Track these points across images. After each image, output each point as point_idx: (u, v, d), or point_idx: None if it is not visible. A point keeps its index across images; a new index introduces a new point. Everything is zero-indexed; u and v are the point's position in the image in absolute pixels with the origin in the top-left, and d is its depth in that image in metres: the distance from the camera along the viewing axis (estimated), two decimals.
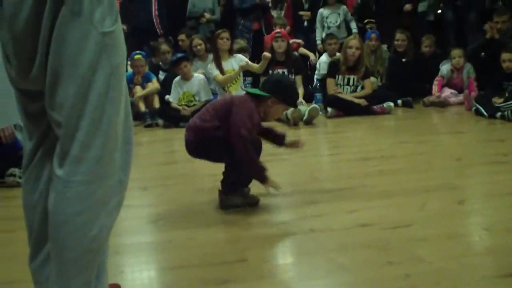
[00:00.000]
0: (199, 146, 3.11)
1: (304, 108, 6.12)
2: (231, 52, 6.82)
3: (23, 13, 1.46)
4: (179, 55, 6.70)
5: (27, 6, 1.45)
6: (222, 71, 6.66)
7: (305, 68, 7.82)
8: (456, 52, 6.99)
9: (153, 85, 7.00)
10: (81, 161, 1.52)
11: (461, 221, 2.82)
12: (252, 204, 3.11)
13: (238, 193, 3.14)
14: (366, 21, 8.41)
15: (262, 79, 6.59)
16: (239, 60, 6.77)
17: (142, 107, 6.73)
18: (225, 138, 2.97)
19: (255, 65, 6.56)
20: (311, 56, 8.22)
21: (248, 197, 3.17)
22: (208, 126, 3.04)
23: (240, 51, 7.19)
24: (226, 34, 6.72)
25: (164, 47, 7.58)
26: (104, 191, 1.57)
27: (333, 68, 6.79)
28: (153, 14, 8.47)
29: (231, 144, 2.92)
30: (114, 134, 1.58)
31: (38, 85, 1.54)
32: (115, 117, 1.56)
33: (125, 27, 8.33)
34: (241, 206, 3.09)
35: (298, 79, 6.82)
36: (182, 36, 7.97)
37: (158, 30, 8.46)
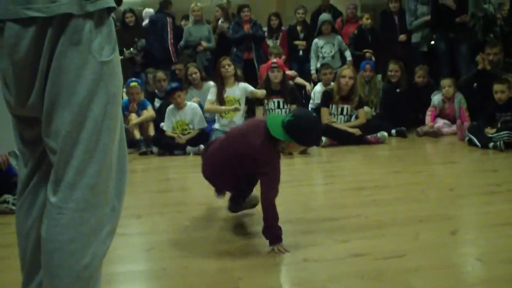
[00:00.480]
0: (214, 179, 3.37)
1: None
2: (236, 78, 6.86)
3: (24, 42, 1.48)
4: (174, 84, 6.72)
5: (28, 36, 1.47)
6: (221, 100, 6.69)
7: (301, 97, 7.86)
8: (446, 82, 7.06)
9: (148, 112, 7.02)
10: (75, 188, 1.53)
11: (454, 252, 2.82)
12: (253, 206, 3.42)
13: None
14: (365, 50, 8.50)
15: (258, 111, 6.71)
16: (243, 89, 6.81)
17: (137, 134, 6.73)
18: (240, 178, 3.18)
19: (259, 92, 6.65)
20: (307, 85, 8.28)
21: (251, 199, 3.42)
22: (221, 176, 3.26)
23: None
24: (227, 61, 6.76)
25: (160, 75, 7.60)
26: (97, 219, 1.58)
27: (327, 98, 6.83)
28: (169, 42, 8.58)
29: (261, 202, 3.01)
30: (109, 162, 1.59)
31: (36, 112, 1.55)
32: (110, 145, 1.58)
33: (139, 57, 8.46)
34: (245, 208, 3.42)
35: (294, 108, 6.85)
36: (179, 66, 8.02)
37: (173, 58, 8.58)
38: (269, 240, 2.93)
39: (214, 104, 6.67)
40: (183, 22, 9.80)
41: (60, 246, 1.54)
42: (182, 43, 8.73)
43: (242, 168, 3.06)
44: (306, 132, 3.01)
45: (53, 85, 1.49)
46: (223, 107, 6.63)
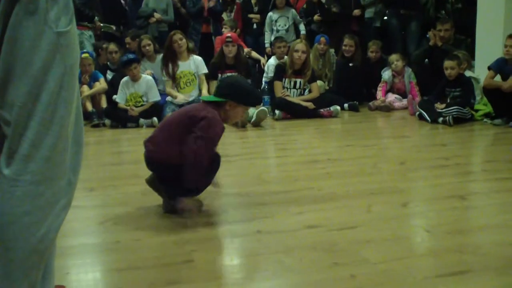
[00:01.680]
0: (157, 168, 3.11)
1: (252, 110, 6.15)
2: (189, 51, 6.80)
3: None
4: (131, 56, 6.63)
5: None
6: (171, 75, 6.64)
7: (255, 71, 7.85)
8: (394, 57, 7.17)
9: (101, 84, 6.91)
10: (30, 160, 1.50)
11: (405, 223, 2.89)
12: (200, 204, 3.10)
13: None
14: (315, 18, 8.51)
15: (212, 85, 6.65)
16: (199, 62, 6.78)
17: (89, 106, 6.63)
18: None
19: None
20: (262, 59, 8.27)
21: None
22: (165, 154, 3.00)
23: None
24: (178, 35, 6.69)
25: (112, 46, 7.48)
26: (53, 191, 1.55)
27: (280, 71, 6.84)
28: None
29: (184, 156, 2.86)
30: (65, 135, 1.56)
31: None
32: (66, 118, 1.55)
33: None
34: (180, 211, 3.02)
35: None
36: (127, 39, 7.87)
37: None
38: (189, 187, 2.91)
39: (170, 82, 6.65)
40: None
41: (14, 219, 1.50)
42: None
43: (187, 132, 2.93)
44: (237, 87, 3.09)
45: (7, 55, 1.45)
46: (181, 97, 6.59)
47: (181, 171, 2.85)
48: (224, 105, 3.03)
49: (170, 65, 6.71)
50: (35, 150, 1.50)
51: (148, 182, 3.16)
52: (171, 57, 6.70)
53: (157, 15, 8.44)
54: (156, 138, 3.08)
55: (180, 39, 6.66)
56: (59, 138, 1.54)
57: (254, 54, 8.32)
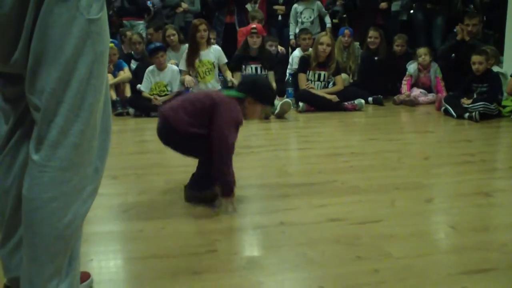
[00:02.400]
0: (170, 138, 3.09)
1: (276, 102, 6.13)
2: (208, 42, 6.81)
3: None
4: (158, 44, 6.67)
5: None
6: (192, 65, 6.66)
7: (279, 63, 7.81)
8: (422, 51, 7.08)
9: (125, 73, 6.94)
10: (58, 147, 1.50)
11: (429, 219, 2.87)
12: (214, 196, 3.07)
13: (205, 190, 3.09)
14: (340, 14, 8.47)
15: (236, 77, 6.64)
16: (218, 52, 6.79)
17: (113, 95, 6.66)
18: (200, 136, 2.96)
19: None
20: (280, 48, 8.20)
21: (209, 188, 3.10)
22: (182, 120, 2.99)
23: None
24: (203, 26, 6.69)
25: (136, 37, 7.50)
26: (80, 178, 1.56)
27: (305, 63, 6.81)
28: None
29: (212, 146, 2.89)
30: (93, 122, 1.57)
31: (19, 69, 1.52)
32: (95, 105, 1.55)
33: None
34: (204, 198, 3.06)
35: (271, 75, 6.83)
36: (150, 30, 7.89)
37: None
38: (224, 191, 2.96)
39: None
40: None
41: (41, 205, 1.52)
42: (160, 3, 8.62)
43: (201, 123, 2.98)
44: (257, 85, 3.16)
45: (38, 41, 1.45)
46: (188, 78, 6.63)
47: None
48: (244, 101, 3.08)
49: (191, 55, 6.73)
50: (63, 137, 1.51)
51: (187, 198, 3.15)
52: (195, 47, 6.70)
53: (184, 5, 8.46)
54: (176, 107, 3.08)
55: (204, 30, 6.66)
56: (88, 125, 1.54)
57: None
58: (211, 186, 3.08)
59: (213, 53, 6.77)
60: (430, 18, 7.86)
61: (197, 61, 6.68)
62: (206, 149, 2.92)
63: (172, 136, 3.06)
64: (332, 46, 6.75)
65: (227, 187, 2.95)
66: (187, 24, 8.35)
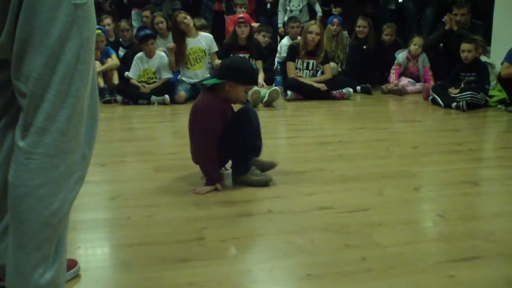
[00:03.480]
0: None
1: (264, 90, 6.12)
2: (196, 28, 6.76)
3: None
4: (148, 31, 6.63)
5: None
6: (182, 55, 6.60)
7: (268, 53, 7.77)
8: (417, 40, 7.08)
9: (113, 60, 6.89)
10: (45, 133, 1.48)
11: (417, 208, 2.88)
12: (265, 184, 3.15)
13: (249, 172, 3.18)
14: (334, 8, 8.44)
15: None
16: (207, 38, 6.73)
17: (101, 82, 6.61)
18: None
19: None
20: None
21: (260, 176, 3.20)
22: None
23: (201, 28, 7.13)
24: (181, 16, 6.61)
25: (124, 24, 7.46)
26: (67, 165, 1.54)
27: (293, 52, 6.79)
28: None
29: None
30: (80, 108, 1.55)
31: (5, 54, 1.49)
32: (82, 90, 1.53)
33: None
34: (256, 185, 3.13)
35: (259, 64, 6.81)
36: (146, 13, 7.86)
37: None
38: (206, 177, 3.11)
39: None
40: None
41: (28, 192, 1.50)
42: None
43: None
44: (234, 67, 3.16)
45: (24, 25, 1.43)
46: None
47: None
48: (224, 86, 3.08)
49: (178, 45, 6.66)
50: (50, 123, 1.49)
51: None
52: (179, 37, 6.64)
53: None
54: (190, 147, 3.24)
55: (184, 18, 6.59)
56: (75, 111, 1.52)
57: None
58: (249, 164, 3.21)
59: (205, 40, 6.71)
60: (420, 8, 7.87)
61: (188, 49, 6.63)
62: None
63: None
64: (321, 34, 6.74)
65: (207, 175, 3.12)
66: (174, 12, 8.29)
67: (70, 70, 1.48)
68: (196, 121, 3.07)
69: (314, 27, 6.64)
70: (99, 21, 7.51)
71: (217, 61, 6.64)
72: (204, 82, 3.17)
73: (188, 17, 6.64)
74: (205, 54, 6.68)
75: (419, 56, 7.12)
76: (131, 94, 6.42)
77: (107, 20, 7.63)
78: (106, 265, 2.23)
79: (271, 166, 3.34)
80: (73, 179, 1.58)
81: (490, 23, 7.02)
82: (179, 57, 6.57)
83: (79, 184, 1.63)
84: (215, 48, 6.77)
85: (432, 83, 6.70)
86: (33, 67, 1.45)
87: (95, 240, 2.45)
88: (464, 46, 6.04)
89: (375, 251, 2.26)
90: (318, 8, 8.49)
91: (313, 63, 6.75)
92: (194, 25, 6.75)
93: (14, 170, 1.51)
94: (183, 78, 6.59)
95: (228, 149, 3.13)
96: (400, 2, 8.18)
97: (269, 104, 6.05)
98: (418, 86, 6.99)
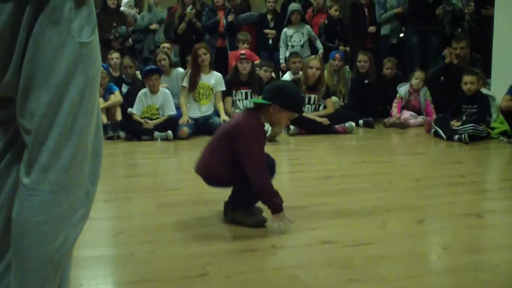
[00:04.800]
0: (213, 180, 3.13)
1: (267, 125, 6.14)
2: (211, 66, 6.85)
3: (1, 19, 1.43)
4: (153, 66, 6.71)
5: (6, 13, 1.42)
6: (195, 86, 6.68)
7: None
8: (419, 74, 7.14)
9: (116, 97, 6.95)
10: (49, 170, 1.49)
11: (421, 241, 2.86)
12: (258, 225, 3.02)
13: (247, 210, 3.08)
14: (341, 47, 8.53)
15: (227, 102, 6.70)
16: (218, 78, 6.83)
17: (104, 119, 6.66)
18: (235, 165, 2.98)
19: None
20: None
21: (256, 215, 3.09)
22: (217, 175, 3.06)
23: None
24: (202, 50, 6.74)
25: (127, 61, 7.53)
26: (71, 202, 1.54)
27: None
28: None
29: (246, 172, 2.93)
30: (85, 145, 1.56)
31: (10, 91, 1.51)
32: (87, 128, 1.55)
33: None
34: (247, 225, 3.01)
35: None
36: (115, 55, 7.85)
37: None
38: (272, 209, 2.96)
39: (186, 91, 6.68)
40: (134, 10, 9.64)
41: (31, 228, 1.50)
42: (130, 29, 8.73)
43: (231, 150, 3.00)
44: (282, 91, 3.06)
45: (30, 64, 1.45)
46: (185, 116, 6.61)
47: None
48: (268, 108, 3.03)
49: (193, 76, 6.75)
50: (54, 160, 1.49)
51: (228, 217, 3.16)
52: (196, 69, 6.73)
53: (155, 25, 8.62)
54: (208, 163, 3.09)
55: (204, 54, 6.71)
56: (79, 148, 1.53)
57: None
58: (251, 205, 3.10)
59: (215, 78, 6.81)
60: (424, 39, 7.94)
61: (200, 83, 6.71)
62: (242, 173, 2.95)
63: (213, 184, 3.15)
64: (322, 69, 6.81)
65: (272, 204, 2.95)
66: (157, 47, 8.36)
67: (75, 108, 1.50)
68: (247, 140, 2.94)
69: (314, 62, 6.71)
70: (107, 55, 7.60)
71: (220, 102, 6.72)
72: (253, 100, 3.13)
73: (208, 54, 6.75)
74: (213, 92, 6.76)
75: (420, 89, 7.17)
76: (134, 130, 6.45)
77: (115, 54, 7.71)
78: None
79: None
80: (76, 216, 1.58)
81: (489, 56, 7.08)
82: (192, 88, 6.65)
83: (82, 221, 1.63)
84: (222, 87, 6.85)
85: (434, 116, 6.73)
86: (37, 105, 1.47)
87: (99, 277, 2.44)
88: (467, 78, 6.08)
89: (380, 285, 2.25)
90: (319, 44, 8.59)
91: (314, 97, 6.80)
92: (211, 63, 6.84)
93: (18, 207, 1.52)
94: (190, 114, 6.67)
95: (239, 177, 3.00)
96: (401, 37, 8.26)
97: (272, 139, 6.06)
98: (420, 119, 7.02)
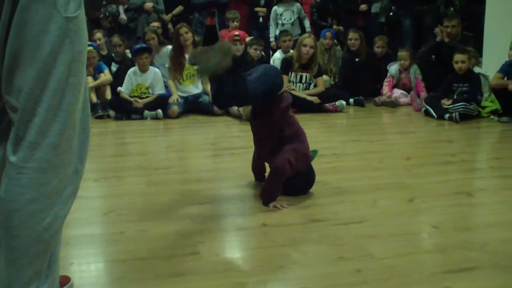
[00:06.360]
0: None
1: None
2: (194, 45, 6.78)
3: None
4: (143, 45, 6.65)
5: None
6: (180, 67, 6.63)
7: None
8: (404, 54, 7.11)
9: (105, 76, 6.87)
10: (36, 148, 1.47)
11: (411, 219, 2.87)
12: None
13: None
14: (334, 27, 8.49)
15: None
16: None
17: (94, 98, 6.60)
18: None
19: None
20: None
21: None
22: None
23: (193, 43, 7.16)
24: (184, 29, 6.67)
25: (116, 39, 7.46)
26: (59, 179, 1.53)
27: (287, 65, 6.80)
28: None
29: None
30: (72, 122, 1.54)
31: None
32: (74, 104, 1.53)
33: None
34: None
35: None
36: (98, 35, 7.77)
37: None
38: (263, 199, 3.05)
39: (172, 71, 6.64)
40: None
41: (20, 207, 1.49)
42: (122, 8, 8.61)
43: None
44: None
45: (15, 39, 1.42)
46: (175, 97, 6.52)
47: None
48: None
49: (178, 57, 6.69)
50: (42, 137, 1.48)
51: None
52: (179, 48, 6.68)
53: (149, 4, 8.49)
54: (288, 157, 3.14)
55: (186, 33, 6.64)
56: (67, 125, 1.52)
57: None
58: None
59: None
60: (418, 20, 7.92)
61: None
62: None
63: None
64: (315, 48, 6.76)
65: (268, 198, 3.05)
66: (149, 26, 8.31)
67: (62, 84, 1.48)
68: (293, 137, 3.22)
69: (308, 40, 6.66)
70: (90, 35, 7.50)
71: (208, 83, 6.66)
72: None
73: (190, 33, 6.68)
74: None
75: (410, 67, 7.15)
76: (124, 109, 6.41)
77: (98, 35, 7.63)
78: (100, 281, 2.21)
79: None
80: (65, 194, 1.57)
81: (481, 35, 7.06)
82: (178, 68, 6.60)
83: (71, 199, 1.62)
84: None
85: (424, 94, 6.72)
86: (24, 81, 1.44)
87: (89, 256, 2.43)
88: (458, 56, 6.07)
89: (370, 263, 2.26)
90: (307, 23, 8.51)
91: (306, 76, 6.76)
92: (194, 42, 6.78)
93: (6, 185, 1.50)
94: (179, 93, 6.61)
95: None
96: (393, 16, 8.22)
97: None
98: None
